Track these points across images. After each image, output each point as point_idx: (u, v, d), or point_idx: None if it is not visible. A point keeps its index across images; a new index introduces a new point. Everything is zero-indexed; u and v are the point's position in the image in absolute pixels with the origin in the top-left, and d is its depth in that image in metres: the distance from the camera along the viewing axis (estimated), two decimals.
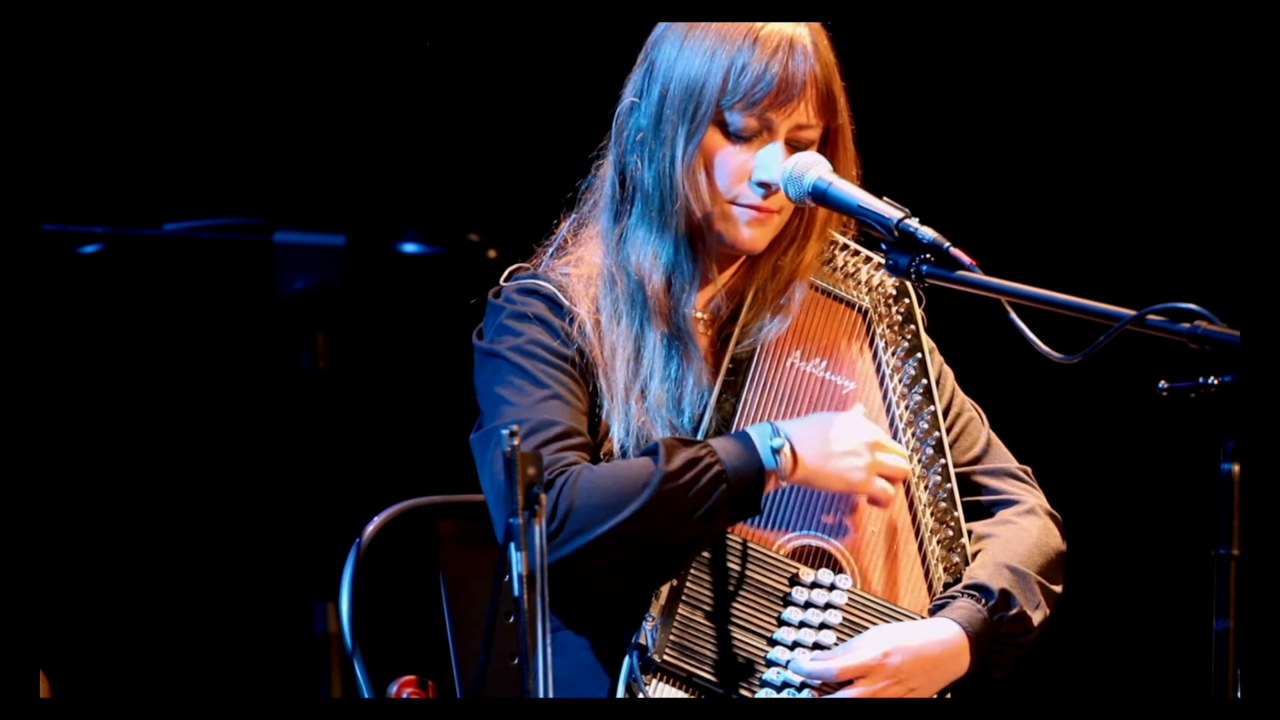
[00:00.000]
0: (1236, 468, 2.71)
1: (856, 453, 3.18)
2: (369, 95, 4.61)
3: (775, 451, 3.13)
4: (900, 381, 3.35)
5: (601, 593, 3.14)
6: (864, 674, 3.15)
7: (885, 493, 3.20)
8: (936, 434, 3.34)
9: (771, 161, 3.21)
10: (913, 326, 3.38)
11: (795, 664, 3.17)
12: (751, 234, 3.25)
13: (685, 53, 3.22)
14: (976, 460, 3.41)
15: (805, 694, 3.16)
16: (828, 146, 3.26)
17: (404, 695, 3.29)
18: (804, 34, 3.21)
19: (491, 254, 2.53)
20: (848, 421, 3.20)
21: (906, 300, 3.38)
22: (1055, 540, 3.35)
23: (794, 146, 3.23)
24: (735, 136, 3.22)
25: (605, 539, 3.07)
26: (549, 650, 2.64)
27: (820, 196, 3.20)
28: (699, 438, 3.19)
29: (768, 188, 3.21)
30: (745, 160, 3.22)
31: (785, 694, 3.15)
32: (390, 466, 4.57)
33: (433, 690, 3.31)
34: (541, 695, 2.63)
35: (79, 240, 2.51)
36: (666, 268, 3.24)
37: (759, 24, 3.20)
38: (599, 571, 3.09)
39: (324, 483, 2.43)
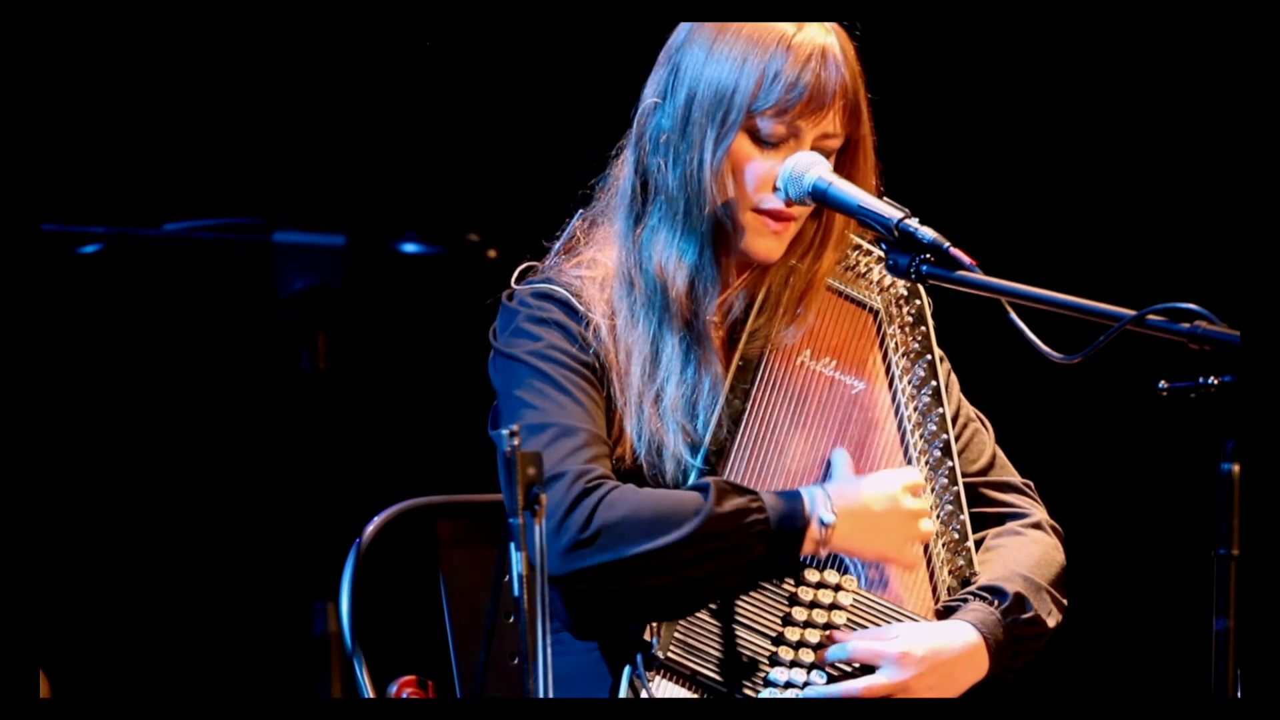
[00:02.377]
0: (1236, 468, 2.71)
1: (898, 529, 3.20)
2: (369, 95, 4.61)
3: (825, 525, 3.14)
4: (909, 383, 3.35)
5: (611, 613, 3.13)
6: (879, 655, 3.15)
7: (913, 563, 3.25)
8: (944, 436, 3.34)
9: None
10: (923, 328, 3.37)
11: (806, 653, 3.17)
12: (768, 245, 3.24)
13: (715, 57, 3.21)
14: (982, 472, 3.40)
15: (813, 688, 3.15)
16: (848, 155, 3.25)
17: (404, 695, 3.29)
18: (834, 43, 3.21)
19: (491, 254, 2.53)
20: (897, 496, 3.20)
21: (918, 302, 3.38)
22: (1060, 555, 3.35)
23: (817, 152, 3.22)
24: (763, 143, 3.21)
25: (634, 562, 3.06)
26: (549, 650, 2.64)
27: (820, 196, 3.20)
28: (741, 481, 3.18)
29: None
30: (771, 166, 3.21)
31: (790, 693, 3.15)
32: (390, 466, 4.57)
33: (433, 690, 3.31)
34: (541, 695, 2.63)
35: (79, 240, 2.52)
36: (690, 270, 3.23)
37: (789, 31, 3.19)
38: (614, 593, 3.08)
39: (324, 483, 2.43)
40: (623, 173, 3.31)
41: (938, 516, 3.32)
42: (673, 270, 3.23)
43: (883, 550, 3.20)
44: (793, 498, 3.14)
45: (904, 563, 3.24)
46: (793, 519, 3.12)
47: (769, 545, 3.11)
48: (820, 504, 3.14)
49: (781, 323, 3.27)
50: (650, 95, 3.28)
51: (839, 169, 3.23)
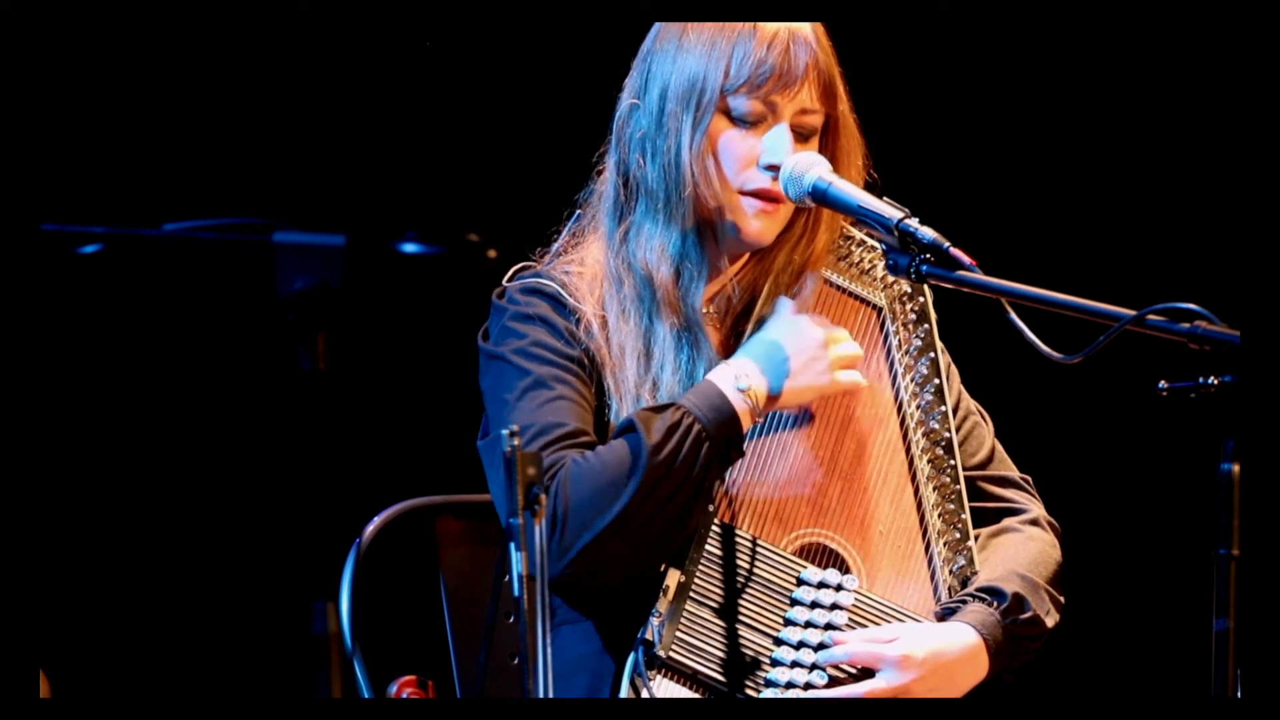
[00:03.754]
0: (1236, 468, 2.71)
1: (815, 358, 3.19)
2: (369, 95, 4.61)
3: (742, 392, 3.13)
4: (912, 380, 3.35)
5: (614, 583, 3.14)
6: (880, 658, 3.15)
7: (855, 383, 3.22)
8: (946, 435, 3.34)
9: (778, 144, 3.21)
10: (926, 325, 3.37)
11: (805, 654, 3.17)
12: (759, 226, 3.25)
13: (684, 48, 3.23)
14: (981, 466, 3.40)
15: (814, 690, 3.15)
16: (830, 134, 3.27)
17: (404, 695, 3.29)
18: (803, 25, 3.23)
19: (491, 254, 2.53)
20: (794, 329, 3.20)
21: (921, 299, 3.38)
22: (1057, 552, 3.35)
23: (798, 132, 3.23)
24: (740, 122, 3.23)
25: (607, 531, 3.07)
26: (549, 650, 2.64)
27: (820, 196, 3.21)
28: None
29: (776, 170, 3.22)
30: (752, 145, 3.23)
31: (791, 693, 3.15)
32: (390, 466, 4.57)
33: (433, 690, 3.31)
34: (541, 695, 2.63)
35: (79, 240, 2.52)
36: (675, 258, 3.24)
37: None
38: (607, 562, 3.09)
39: (324, 483, 2.43)
40: (605, 179, 3.32)
41: (939, 515, 3.32)
42: (656, 261, 3.24)
43: (813, 385, 3.19)
44: (703, 385, 3.15)
45: (844, 389, 3.21)
46: (717, 403, 3.13)
47: (712, 440, 3.11)
48: (729, 373, 3.15)
49: None
50: (627, 97, 3.30)
51: (822, 150, 3.24)
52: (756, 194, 3.24)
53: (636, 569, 3.14)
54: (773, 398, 3.17)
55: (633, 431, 3.10)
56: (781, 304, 3.25)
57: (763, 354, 3.19)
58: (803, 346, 3.20)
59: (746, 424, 3.15)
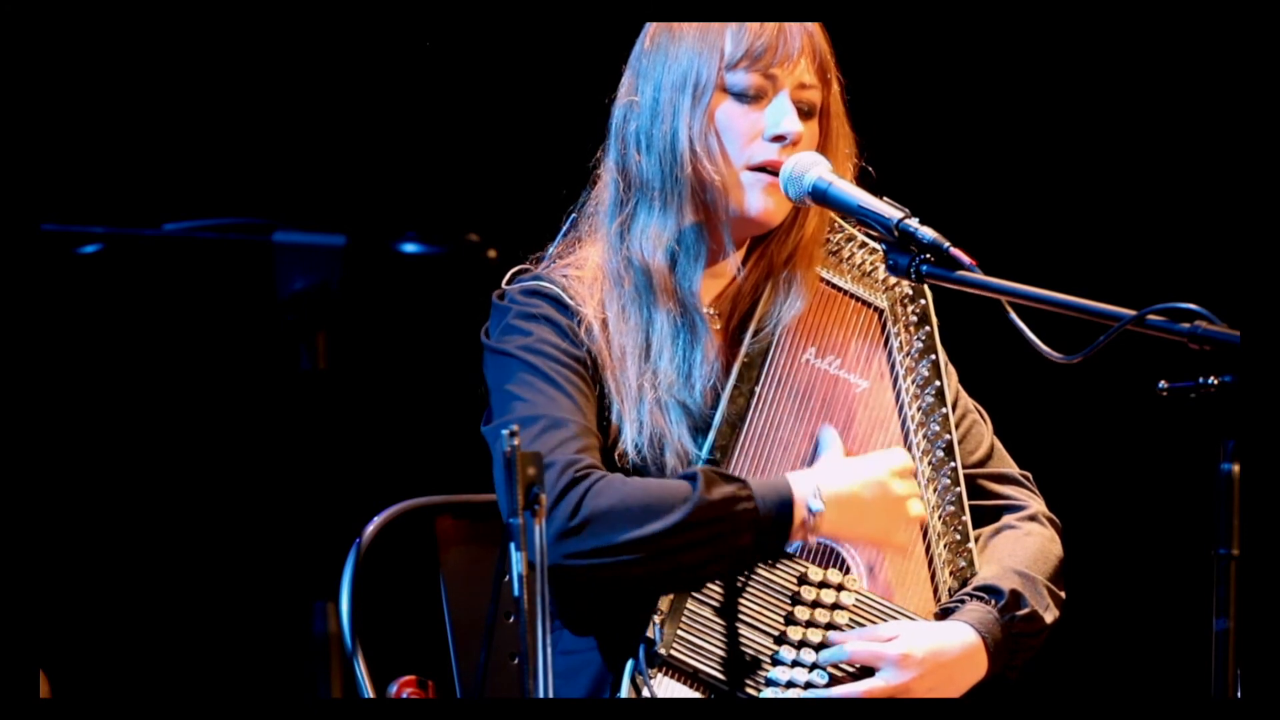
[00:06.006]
0: (1236, 468, 2.71)
1: (887, 514, 3.19)
2: (369, 95, 4.61)
3: (813, 513, 3.13)
4: (913, 383, 3.35)
5: (600, 600, 3.14)
6: (880, 657, 3.15)
7: (904, 547, 3.24)
8: (947, 437, 3.34)
9: (781, 114, 3.22)
10: (927, 328, 3.37)
11: (807, 654, 3.17)
12: (766, 201, 3.25)
13: (677, 41, 3.25)
14: (980, 464, 3.41)
15: (814, 689, 3.16)
16: (821, 118, 3.27)
17: (404, 695, 3.29)
18: None
19: (491, 254, 2.53)
20: (886, 481, 3.19)
21: (922, 301, 3.38)
22: (1057, 547, 3.35)
23: (798, 107, 3.23)
24: (741, 97, 3.23)
25: (622, 548, 3.07)
26: (549, 650, 2.64)
27: (820, 196, 3.21)
28: (717, 446, 3.19)
29: (782, 140, 3.22)
30: (755, 120, 3.23)
31: (791, 693, 3.15)
32: (390, 466, 4.57)
33: (433, 690, 3.31)
34: (541, 695, 2.63)
35: (79, 240, 2.52)
36: (670, 244, 3.24)
37: None
38: (603, 580, 3.09)
39: (324, 483, 2.43)
40: (604, 182, 3.32)
41: (939, 518, 3.32)
42: (652, 249, 3.24)
43: (871, 535, 3.20)
44: (781, 485, 3.14)
45: (894, 547, 3.23)
46: (781, 507, 3.12)
47: (757, 533, 3.11)
48: (809, 491, 3.14)
49: (781, 296, 3.27)
50: (622, 97, 3.31)
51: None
52: (763, 167, 3.24)
53: (614, 597, 3.14)
54: (832, 530, 3.16)
55: (693, 480, 3.10)
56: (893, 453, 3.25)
57: (851, 491, 3.16)
58: (889, 498, 3.18)
59: (794, 537, 3.14)
